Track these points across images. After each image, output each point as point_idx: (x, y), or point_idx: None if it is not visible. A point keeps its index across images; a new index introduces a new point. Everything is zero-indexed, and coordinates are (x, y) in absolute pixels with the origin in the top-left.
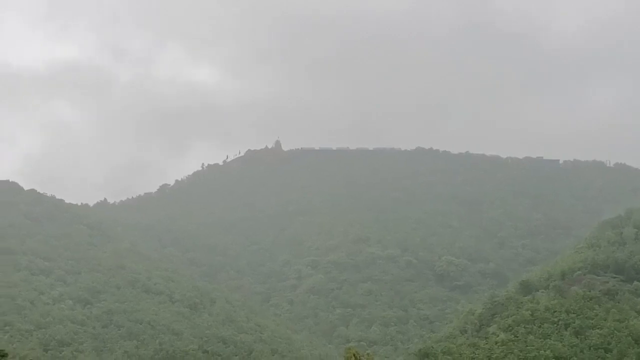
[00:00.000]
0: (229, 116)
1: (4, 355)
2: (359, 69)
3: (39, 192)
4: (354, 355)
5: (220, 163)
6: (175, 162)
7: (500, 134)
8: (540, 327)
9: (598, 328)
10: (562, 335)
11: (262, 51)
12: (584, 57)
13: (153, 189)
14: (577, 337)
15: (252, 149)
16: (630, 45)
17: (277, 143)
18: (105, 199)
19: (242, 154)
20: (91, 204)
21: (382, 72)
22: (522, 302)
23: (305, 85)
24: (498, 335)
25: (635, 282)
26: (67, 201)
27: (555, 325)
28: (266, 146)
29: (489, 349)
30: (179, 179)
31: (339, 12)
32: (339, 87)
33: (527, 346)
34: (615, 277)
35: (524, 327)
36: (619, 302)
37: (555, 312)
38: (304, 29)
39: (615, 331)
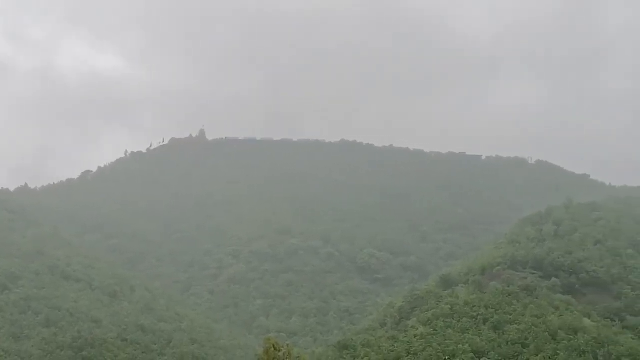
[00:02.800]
0: (140, 105)
1: None
2: (273, 59)
3: None
4: (273, 345)
5: (144, 151)
6: (87, 150)
7: (420, 129)
8: (459, 321)
9: (516, 323)
10: (480, 330)
11: (170, 39)
12: (496, 58)
13: (68, 175)
14: (496, 332)
15: (176, 137)
16: (544, 49)
17: (202, 132)
18: (26, 184)
19: (165, 142)
20: (11, 189)
21: (297, 63)
22: (442, 297)
23: (218, 76)
24: (417, 329)
25: (554, 279)
26: None
27: (474, 319)
28: (190, 135)
29: (408, 342)
30: (102, 166)
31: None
32: (254, 77)
33: (445, 340)
34: (534, 274)
35: (443, 321)
36: (537, 298)
37: (474, 306)
38: (215, 15)
39: (533, 327)
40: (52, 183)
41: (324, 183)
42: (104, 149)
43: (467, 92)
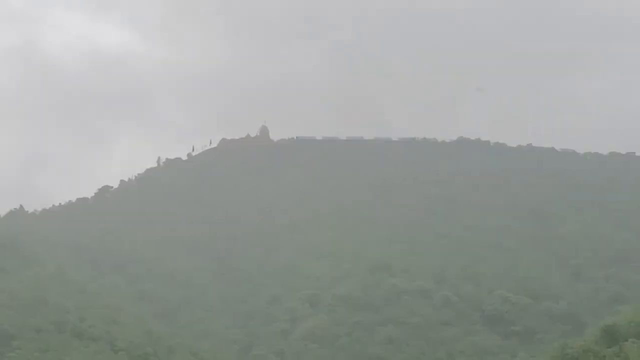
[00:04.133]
0: (162, 95)
1: None
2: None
3: None
4: None
5: (183, 157)
6: (94, 158)
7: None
8: None
9: None
10: None
11: (197, 3)
12: None
13: (69, 194)
14: None
15: (227, 137)
16: None
17: (264, 130)
18: (21, 206)
19: (213, 143)
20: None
21: (375, 36)
22: (605, 356)
23: (269, 54)
24: None
25: None
26: None
27: None
28: (248, 134)
29: None
30: (125, 179)
31: None
32: (314, 56)
33: None
34: None
35: None
36: None
37: None
38: None
39: None
40: (54, 204)
41: (432, 198)
42: (116, 157)
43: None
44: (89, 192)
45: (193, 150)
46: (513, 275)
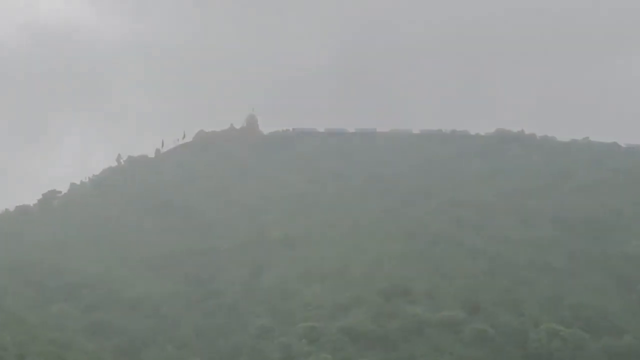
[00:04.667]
0: (126, 79)
1: None
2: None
3: None
4: None
5: (151, 154)
6: (40, 155)
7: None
8: None
9: None
10: None
11: None
12: None
13: (15, 199)
14: None
15: (205, 129)
16: None
17: (252, 119)
18: None
19: (187, 137)
20: None
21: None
22: None
23: (241, 26)
24: None
25: None
26: None
27: None
28: (231, 125)
29: None
30: (77, 182)
31: None
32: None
33: None
34: None
35: None
36: None
37: None
38: None
39: None
40: None
41: (463, 206)
42: (64, 155)
43: None
44: (31, 199)
45: (162, 145)
46: (564, 302)
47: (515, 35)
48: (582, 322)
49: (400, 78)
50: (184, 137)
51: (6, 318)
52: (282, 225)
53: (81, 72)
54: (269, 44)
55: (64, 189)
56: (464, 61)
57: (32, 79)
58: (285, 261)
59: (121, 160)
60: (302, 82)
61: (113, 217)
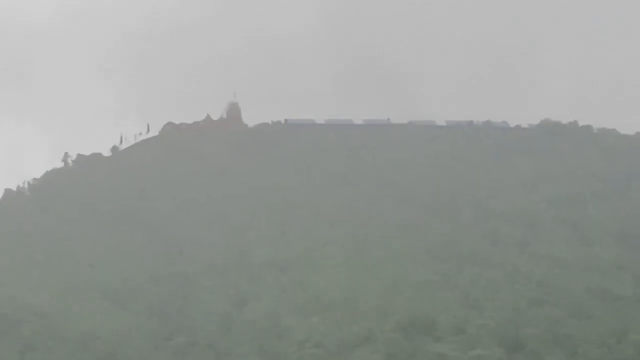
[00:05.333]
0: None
1: None
2: None
3: None
4: None
5: (106, 152)
6: None
7: None
8: None
9: None
10: None
11: None
12: None
13: None
14: None
15: (174, 120)
16: None
17: (233, 109)
18: None
19: (152, 131)
20: None
21: None
22: None
23: None
24: None
25: None
26: None
27: None
28: (207, 116)
29: None
30: (13, 188)
31: None
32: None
33: None
34: None
35: None
36: None
37: None
38: None
39: None
40: None
41: (501, 217)
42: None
43: None
44: None
45: (120, 141)
46: (628, 339)
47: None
48: None
49: (419, 56)
50: (147, 131)
51: None
52: (271, 243)
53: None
54: (245, 8)
55: None
56: (495, 38)
57: None
58: (274, 289)
59: (69, 160)
60: (293, 58)
61: (58, 232)
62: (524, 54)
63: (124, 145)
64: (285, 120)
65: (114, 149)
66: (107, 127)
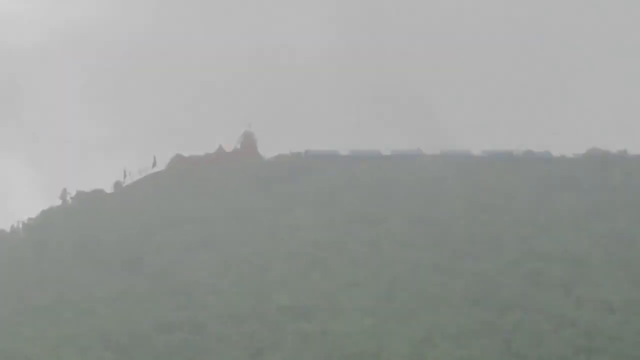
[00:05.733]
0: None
1: None
2: None
3: None
4: None
5: (108, 189)
6: None
7: None
8: None
9: None
10: None
11: None
12: None
13: None
14: None
15: (183, 152)
16: None
17: (247, 139)
18: None
19: (158, 165)
20: None
21: None
22: None
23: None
24: None
25: None
26: None
27: None
28: (219, 147)
29: None
30: (7, 229)
31: None
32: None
33: None
34: None
35: None
36: None
37: None
38: None
39: None
40: None
41: (551, 259)
42: None
43: None
44: None
45: (124, 176)
46: None
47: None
48: None
49: (450, 80)
50: (154, 164)
51: None
52: (291, 287)
53: None
54: (260, 31)
55: None
56: (532, 61)
57: None
58: (294, 337)
59: (68, 197)
60: (312, 83)
61: (55, 276)
62: (568, 74)
63: (128, 181)
64: (306, 151)
65: (117, 184)
66: (107, 160)
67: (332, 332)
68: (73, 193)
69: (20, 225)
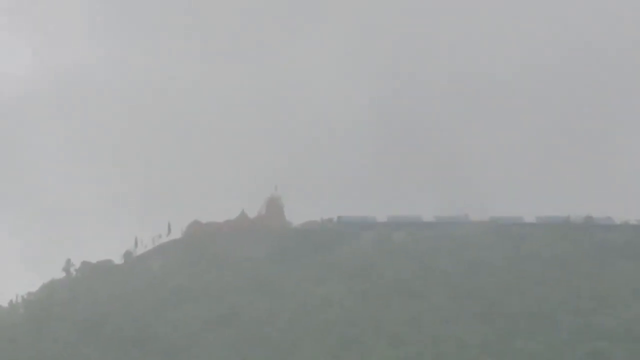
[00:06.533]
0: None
1: None
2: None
3: None
4: None
5: (117, 260)
6: None
7: None
8: None
9: None
10: None
11: None
12: None
13: None
14: None
15: (201, 219)
16: None
17: (273, 204)
18: None
19: (172, 233)
20: None
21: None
22: None
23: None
24: None
25: None
26: None
27: None
28: (243, 212)
29: None
30: (5, 304)
31: None
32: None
33: None
34: None
35: None
36: None
37: None
38: None
39: None
40: None
41: (601, 332)
42: None
43: None
44: None
45: (135, 245)
46: None
47: None
48: None
49: (496, 140)
50: (168, 232)
51: None
52: None
53: None
54: (282, 86)
55: None
56: (589, 113)
57: None
58: None
59: (72, 269)
60: (345, 147)
61: (58, 357)
62: (626, 132)
63: (140, 251)
64: (338, 217)
65: (127, 254)
66: (112, 228)
67: None
68: (78, 264)
69: (20, 300)
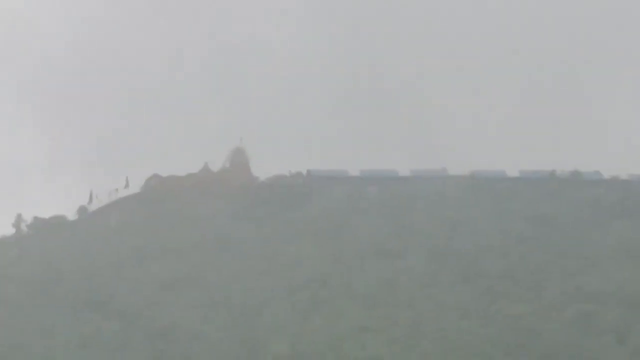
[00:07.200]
0: None
1: None
2: None
3: None
4: None
5: (71, 215)
6: None
7: None
8: None
9: None
10: None
11: None
12: None
13: None
14: None
15: (161, 172)
16: None
17: (238, 156)
18: None
19: (130, 186)
20: None
21: None
22: None
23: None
24: None
25: None
26: None
27: None
28: (205, 165)
29: None
30: None
31: None
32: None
33: None
34: None
35: None
36: None
37: None
38: None
39: None
40: None
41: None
42: None
43: None
44: None
45: (90, 199)
46: None
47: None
48: None
49: (477, 92)
50: (126, 186)
51: None
52: (290, 333)
53: None
54: (249, 36)
55: None
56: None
57: None
58: None
59: (22, 225)
60: (315, 97)
61: (6, 321)
62: (616, 81)
63: (95, 206)
64: (308, 171)
65: (82, 209)
66: (69, 181)
67: None
68: (29, 220)
69: None
